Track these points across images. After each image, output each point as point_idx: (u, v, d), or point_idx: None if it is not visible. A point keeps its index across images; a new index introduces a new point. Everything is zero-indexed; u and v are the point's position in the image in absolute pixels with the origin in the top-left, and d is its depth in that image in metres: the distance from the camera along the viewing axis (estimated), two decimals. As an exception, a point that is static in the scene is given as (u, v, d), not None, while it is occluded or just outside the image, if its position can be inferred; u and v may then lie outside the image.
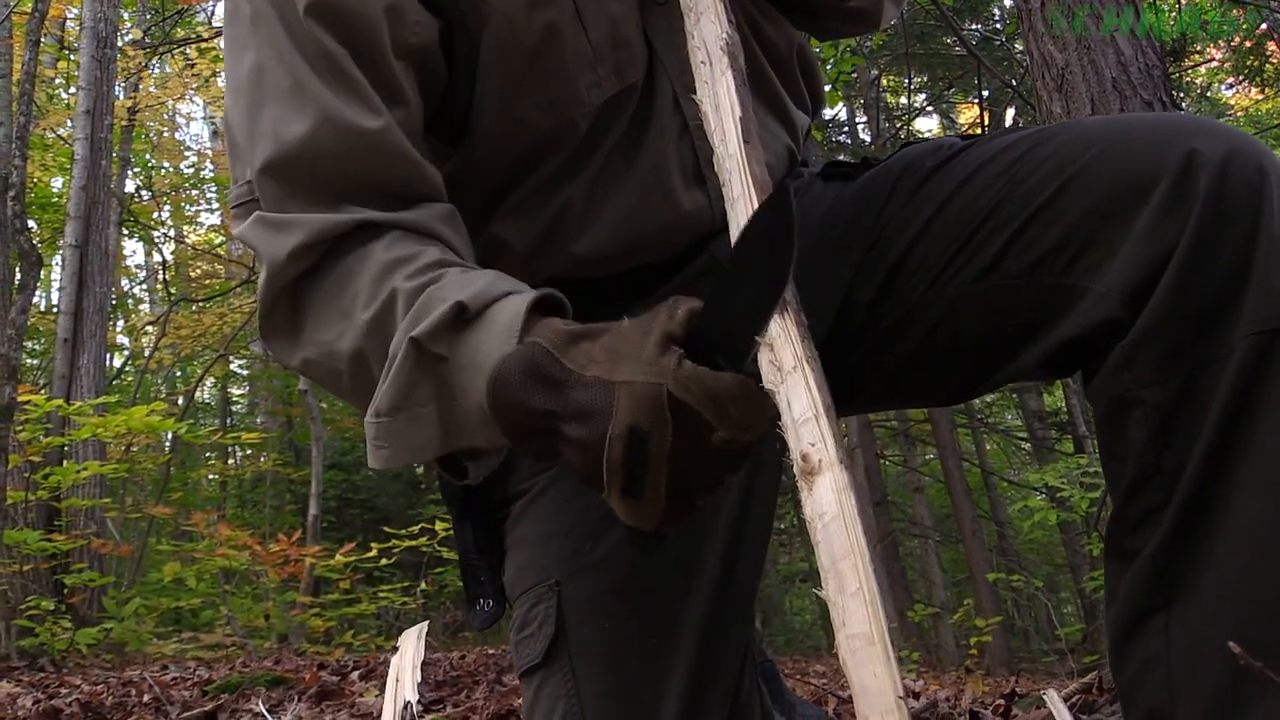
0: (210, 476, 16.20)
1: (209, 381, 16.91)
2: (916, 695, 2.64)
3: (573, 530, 1.41)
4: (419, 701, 3.41)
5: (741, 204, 1.15)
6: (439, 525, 7.90)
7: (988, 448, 14.42)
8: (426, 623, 1.05)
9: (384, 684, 4.03)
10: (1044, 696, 1.11)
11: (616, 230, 1.46)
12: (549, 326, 1.06)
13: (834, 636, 0.91)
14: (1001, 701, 2.36)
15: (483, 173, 1.40)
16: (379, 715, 3.11)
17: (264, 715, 0.86)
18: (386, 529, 8.30)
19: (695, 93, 1.29)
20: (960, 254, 1.42)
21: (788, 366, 1.01)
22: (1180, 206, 1.23)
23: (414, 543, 8.01)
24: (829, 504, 0.91)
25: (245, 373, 17.53)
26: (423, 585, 8.76)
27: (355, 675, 4.26)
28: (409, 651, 0.96)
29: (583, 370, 1.02)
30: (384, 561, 7.98)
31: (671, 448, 1.00)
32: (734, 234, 1.18)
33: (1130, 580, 1.24)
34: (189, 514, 9.51)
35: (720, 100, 1.24)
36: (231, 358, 15.28)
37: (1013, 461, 14.27)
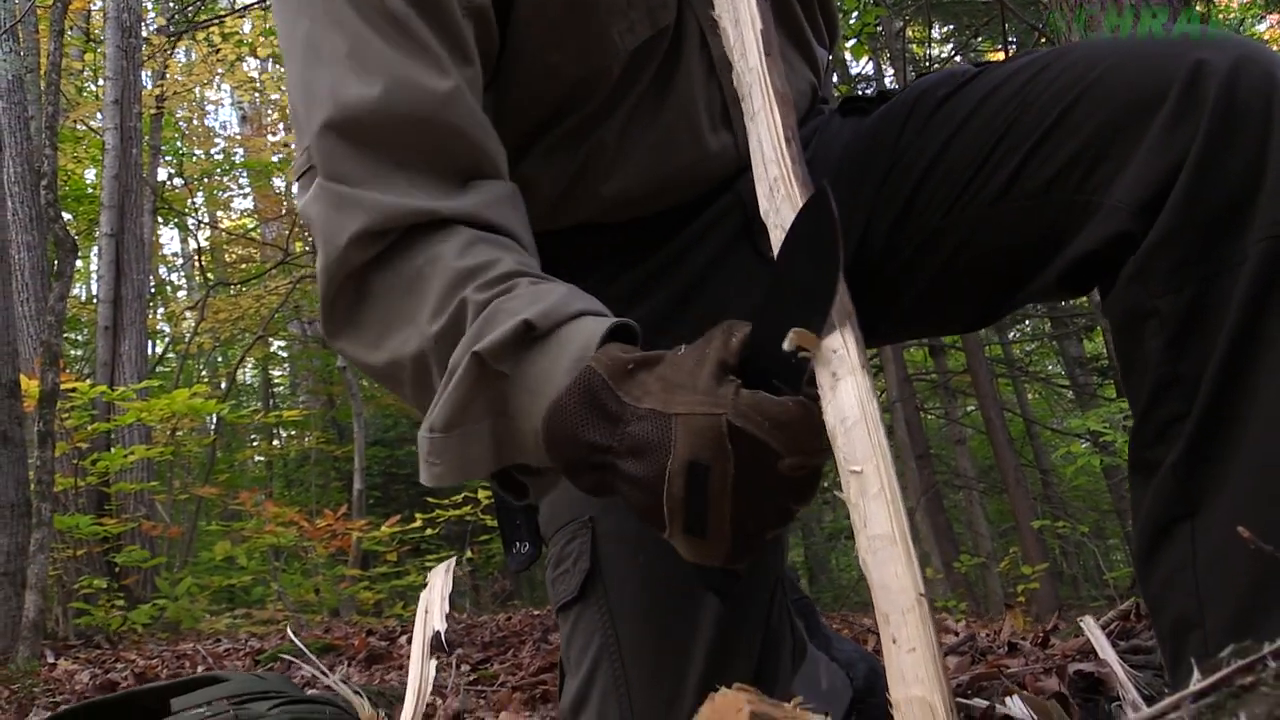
0: (257, 458, 16.39)
1: (249, 364, 17.08)
2: (957, 634, 2.65)
3: None
4: (468, 661, 3.45)
5: (763, 117, 1.15)
6: (482, 495, 7.95)
7: (1029, 397, 14.32)
8: (454, 558, 1.06)
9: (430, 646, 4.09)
10: (1081, 624, 1.11)
11: (645, 172, 1.47)
12: (607, 354, 1.02)
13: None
14: (1042, 633, 2.37)
15: (514, 118, 1.38)
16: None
17: (318, 674, 0.88)
18: (430, 499, 8.38)
19: (715, 9, 1.27)
20: (976, 178, 1.41)
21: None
22: (1189, 116, 1.22)
23: (458, 513, 8.08)
24: (851, 408, 0.91)
25: (285, 354, 17.69)
26: (469, 554, 8.84)
27: (404, 640, 4.32)
28: (438, 585, 0.97)
29: (638, 403, 0.98)
30: (429, 532, 8.06)
31: (734, 480, 0.96)
32: (754, 154, 1.19)
33: (1154, 491, 1.24)
34: (236, 494, 9.63)
35: (740, 14, 1.22)
36: (271, 339, 15.41)
37: (1055, 409, 14.17)
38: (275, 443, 16.34)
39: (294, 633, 4.67)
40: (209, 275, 15.23)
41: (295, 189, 1.31)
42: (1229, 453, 1.18)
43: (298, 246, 12.73)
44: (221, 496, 9.94)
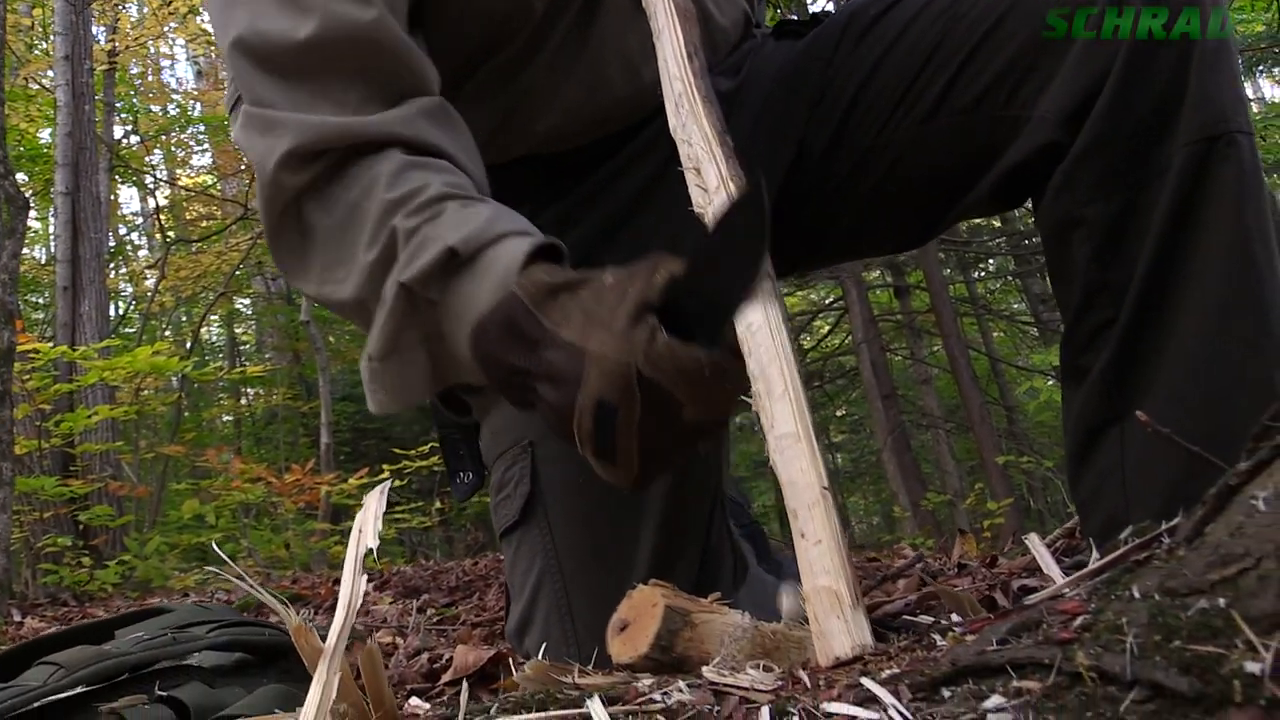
0: (224, 417, 16.31)
1: (214, 322, 16.97)
2: (905, 556, 2.68)
3: None
4: (433, 605, 3.47)
5: (667, 35, 1.16)
6: (448, 445, 7.94)
7: (994, 335, 14.42)
8: (390, 479, 1.07)
9: (398, 593, 4.11)
10: (1025, 540, 1.13)
11: (579, 108, 1.47)
12: (531, 277, 1.03)
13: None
14: (991, 555, 2.40)
15: (440, 59, 1.37)
16: (392, 619, 3.18)
17: (249, 589, 0.89)
18: (397, 450, 8.39)
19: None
20: (907, 96, 1.42)
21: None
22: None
23: (425, 463, 8.09)
24: (755, 313, 0.92)
25: (249, 311, 17.57)
26: (437, 504, 8.86)
27: (370, 586, 4.33)
28: (372, 505, 0.97)
29: (558, 329, 0.99)
30: (397, 484, 8.06)
31: (641, 422, 0.97)
32: (661, 71, 1.19)
33: (1084, 397, 1.26)
34: (203, 452, 9.58)
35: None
36: (235, 297, 15.28)
37: (1019, 347, 14.28)
38: (243, 401, 16.27)
39: (261, 585, 4.66)
40: (169, 234, 15.08)
41: (230, 121, 1.31)
42: (1155, 358, 1.20)
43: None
44: (189, 455, 9.89)
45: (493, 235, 1.08)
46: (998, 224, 12.50)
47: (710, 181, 1.04)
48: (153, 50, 15.52)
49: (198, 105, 16.52)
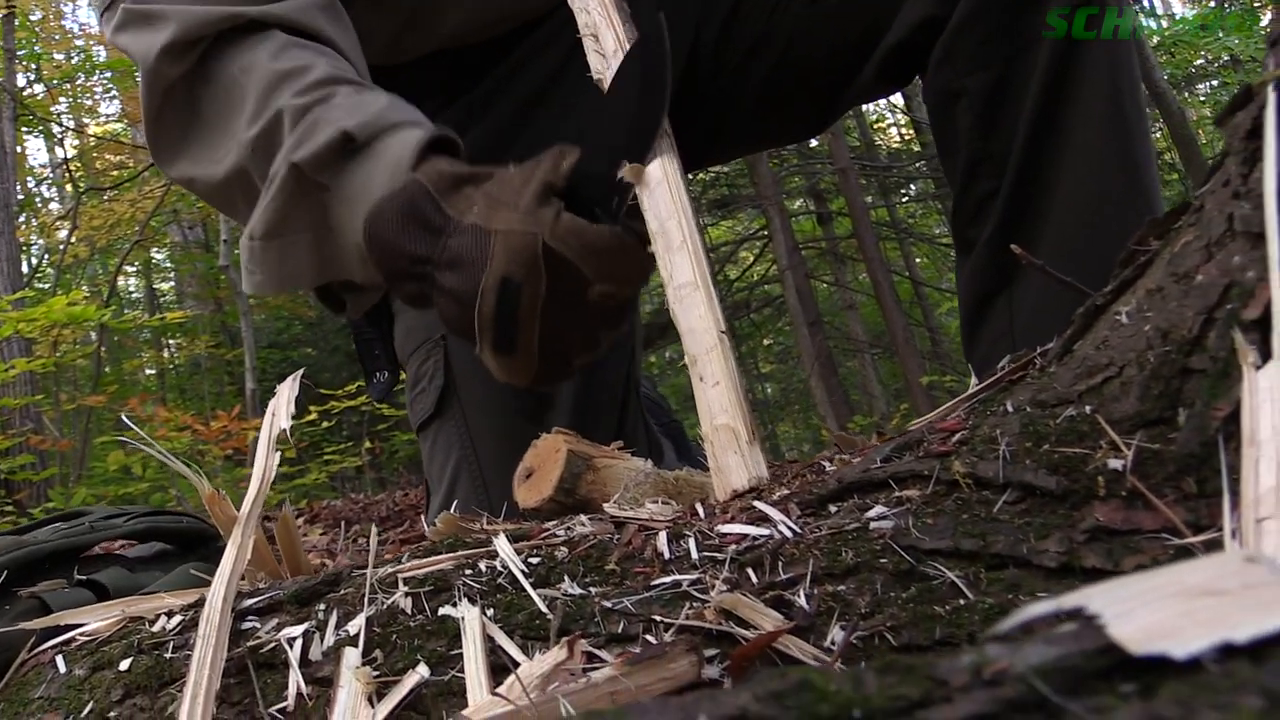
0: (147, 370, 16.04)
1: (131, 272, 16.64)
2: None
3: None
4: (363, 536, 3.48)
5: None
6: (376, 383, 7.89)
7: (917, 259, 14.58)
8: (301, 370, 1.08)
9: (328, 524, 4.11)
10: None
11: (484, 3, 1.46)
12: (434, 167, 1.03)
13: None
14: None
15: None
16: (321, 546, 3.19)
17: (153, 452, 0.91)
18: (324, 391, 8.33)
19: None
20: None
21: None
22: None
23: (352, 403, 8.04)
24: (654, 169, 0.95)
25: (169, 263, 17.24)
26: (367, 444, 8.82)
27: (301, 521, 4.33)
28: (285, 391, 0.99)
29: (461, 217, 0.99)
30: (325, 424, 8.02)
31: (545, 302, 0.98)
32: None
33: (973, 267, 1.30)
34: (127, 403, 9.44)
35: None
36: (152, 250, 14.96)
37: (941, 270, 14.45)
38: (165, 353, 16.01)
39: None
40: (79, 183, 14.71)
41: (103, 28, 1.29)
42: (1037, 224, 1.23)
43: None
44: (111, 406, 9.74)
45: (389, 123, 1.08)
46: (918, 148, 12.59)
47: (608, 46, 1.06)
48: (53, -6, 15.07)
49: (102, 50, 16.05)
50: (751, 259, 13.21)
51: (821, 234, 12.83)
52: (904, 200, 13.94)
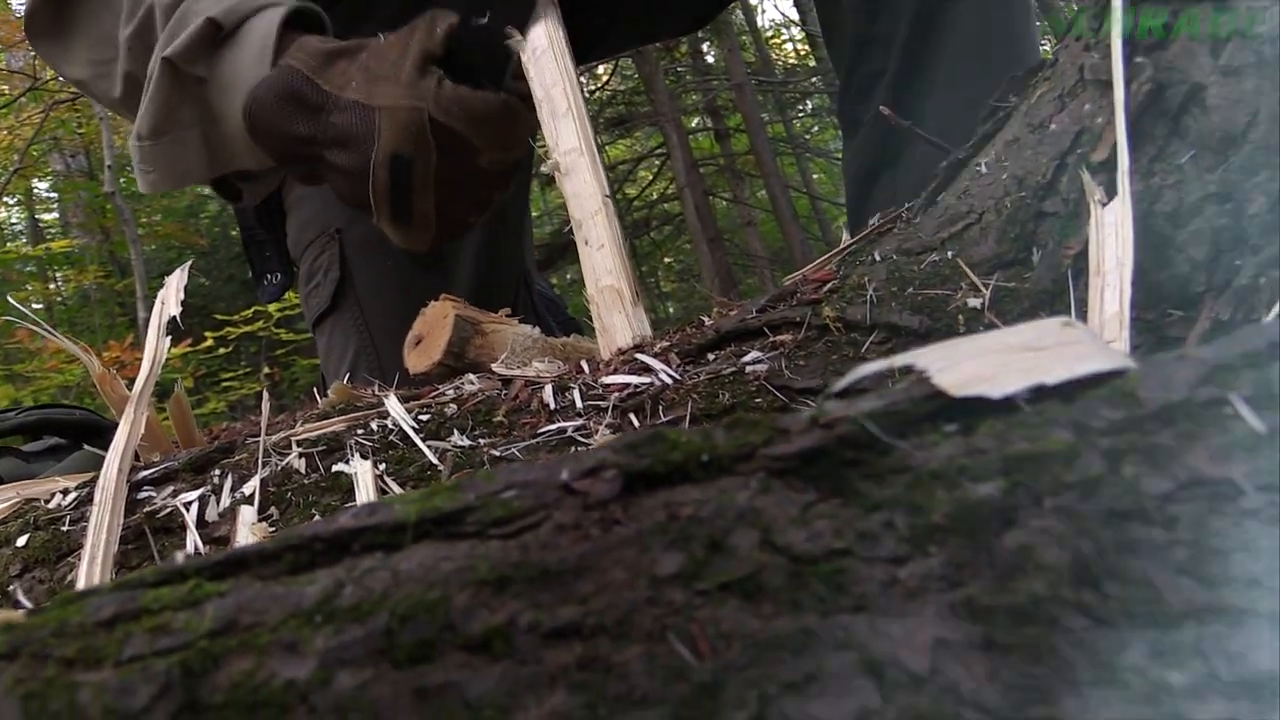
0: (34, 305, 15.59)
1: (11, 205, 16.08)
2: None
3: None
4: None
5: None
6: (272, 308, 7.79)
7: (814, 175, 14.67)
8: (189, 262, 1.08)
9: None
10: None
11: None
12: (305, 47, 1.02)
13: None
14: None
15: None
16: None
17: (45, 334, 0.91)
18: (219, 316, 8.18)
19: None
20: None
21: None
22: None
23: (249, 328, 7.92)
24: (539, 38, 0.95)
25: (52, 193, 16.67)
26: (266, 369, 8.71)
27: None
28: (174, 281, 0.99)
29: (340, 92, 0.99)
30: (222, 351, 7.89)
31: (437, 172, 0.99)
32: None
33: (859, 145, 1.33)
34: (13, 334, 9.19)
35: None
36: (33, 180, 14.45)
37: (839, 185, 14.56)
38: (51, 286, 15.55)
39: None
40: (-49, 111, 14.11)
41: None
42: (920, 103, 1.27)
43: (49, 73, 11.85)
44: (-2, 340, 9.48)
45: (253, 7, 1.07)
46: (813, 63, 12.62)
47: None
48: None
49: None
50: (650, 177, 13.19)
51: (719, 151, 12.83)
52: (800, 115, 14.00)
